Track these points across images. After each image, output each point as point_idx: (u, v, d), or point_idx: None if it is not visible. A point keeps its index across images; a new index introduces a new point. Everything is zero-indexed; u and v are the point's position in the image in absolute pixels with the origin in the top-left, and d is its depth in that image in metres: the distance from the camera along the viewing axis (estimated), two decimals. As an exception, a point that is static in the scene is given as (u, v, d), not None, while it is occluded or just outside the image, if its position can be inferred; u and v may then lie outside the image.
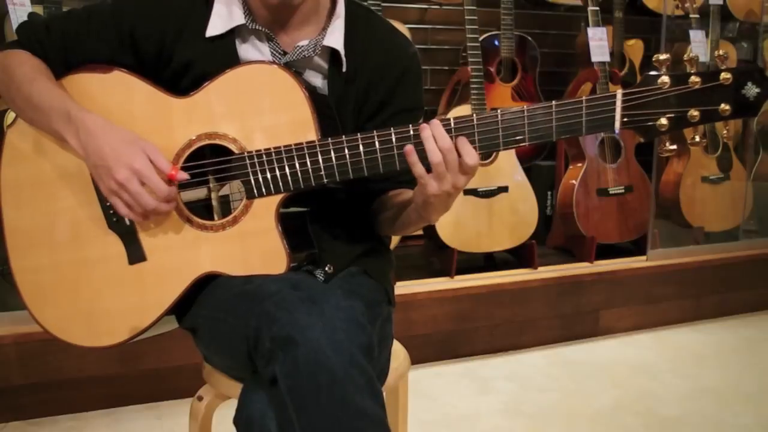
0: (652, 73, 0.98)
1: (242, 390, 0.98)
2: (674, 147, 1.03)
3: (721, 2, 3.06)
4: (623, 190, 2.89)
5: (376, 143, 1.03)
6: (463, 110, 2.55)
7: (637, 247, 2.93)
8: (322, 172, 1.05)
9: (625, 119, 0.98)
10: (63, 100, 1.06)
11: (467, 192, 2.53)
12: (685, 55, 0.99)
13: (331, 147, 1.04)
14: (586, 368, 2.46)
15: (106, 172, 1.02)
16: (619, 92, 0.97)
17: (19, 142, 1.13)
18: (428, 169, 1.01)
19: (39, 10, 2.02)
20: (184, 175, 1.05)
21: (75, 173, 1.11)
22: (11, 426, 1.97)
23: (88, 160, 1.05)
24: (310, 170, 1.06)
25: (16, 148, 1.14)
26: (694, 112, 0.97)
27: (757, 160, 3.25)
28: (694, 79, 0.96)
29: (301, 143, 1.05)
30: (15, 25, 1.94)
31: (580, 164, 2.84)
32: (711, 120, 0.98)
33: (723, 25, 3.18)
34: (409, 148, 1.00)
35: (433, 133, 0.99)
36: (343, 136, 1.04)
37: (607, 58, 2.81)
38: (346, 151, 1.04)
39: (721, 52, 1.03)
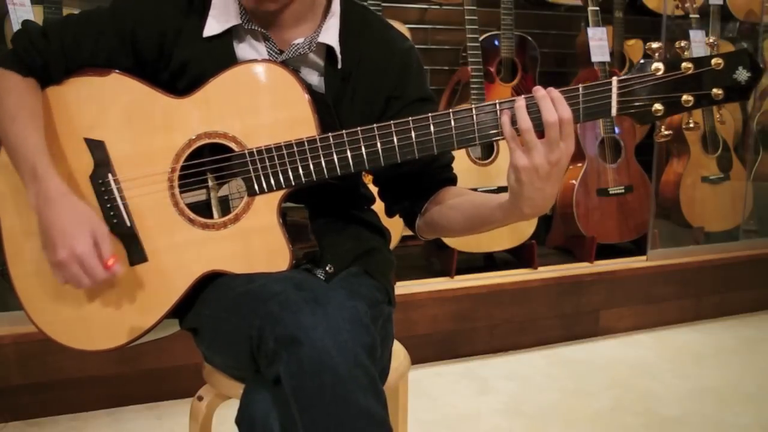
0: (646, 60, 1.00)
1: (244, 390, 0.98)
2: (669, 132, 1.06)
3: (721, 2, 3.06)
4: (623, 190, 2.89)
5: (377, 137, 1.03)
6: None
7: (637, 247, 2.93)
8: (323, 167, 1.05)
9: (621, 106, 1.00)
10: (34, 153, 1.05)
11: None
12: (677, 43, 1.02)
13: (331, 142, 1.05)
14: (586, 368, 2.46)
15: (51, 247, 1.02)
16: (615, 79, 0.99)
17: None
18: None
19: (39, 10, 2.02)
20: (118, 269, 1.04)
21: (72, 177, 1.11)
22: (11, 426, 1.97)
23: (39, 224, 1.04)
24: (311, 166, 1.06)
25: None
26: (688, 97, 0.99)
27: (757, 160, 3.25)
28: (686, 65, 0.99)
29: (302, 139, 1.05)
30: (15, 25, 1.94)
31: (580, 164, 2.84)
32: (704, 104, 1.00)
33: (723, 25, 3.18)
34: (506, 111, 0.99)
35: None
36: (344, 131, 1.04)
37: (607, 58, 2.82)
38: (347, 145, 1.04)
39: (711, 40, 1.06)
